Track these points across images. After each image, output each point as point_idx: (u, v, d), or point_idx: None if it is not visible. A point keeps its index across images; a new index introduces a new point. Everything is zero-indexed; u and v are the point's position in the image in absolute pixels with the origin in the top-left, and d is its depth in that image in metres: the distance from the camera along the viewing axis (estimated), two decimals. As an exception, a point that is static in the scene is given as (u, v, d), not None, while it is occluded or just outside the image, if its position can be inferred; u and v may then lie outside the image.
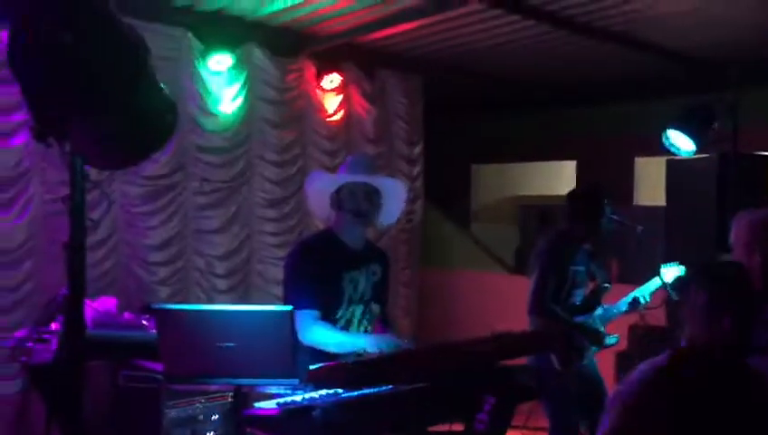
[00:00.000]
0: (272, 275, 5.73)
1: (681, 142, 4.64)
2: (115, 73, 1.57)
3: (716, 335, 2.13)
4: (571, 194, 4.36)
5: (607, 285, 4.32)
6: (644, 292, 4.25)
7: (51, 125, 1.64)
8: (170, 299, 5.16)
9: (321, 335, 2.90)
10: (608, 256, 5.43)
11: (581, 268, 4.25)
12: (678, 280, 4.23)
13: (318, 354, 2.87)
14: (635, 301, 4.24)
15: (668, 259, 4.38)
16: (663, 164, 5.10)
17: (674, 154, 4.76)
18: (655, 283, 4.26)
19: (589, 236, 4.23)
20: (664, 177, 5.03)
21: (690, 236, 4.60)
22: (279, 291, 3.83)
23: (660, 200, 5.29)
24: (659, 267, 4.31)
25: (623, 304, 4.25)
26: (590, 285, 4.32)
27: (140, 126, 1.64)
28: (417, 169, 6.92)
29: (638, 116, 6.88)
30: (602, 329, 4.21)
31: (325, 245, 3.12)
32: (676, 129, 4.62)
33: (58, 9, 1.63)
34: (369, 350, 2.86)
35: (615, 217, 4.22)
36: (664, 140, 4.68)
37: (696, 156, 4.67)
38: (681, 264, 4.29)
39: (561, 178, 8.18)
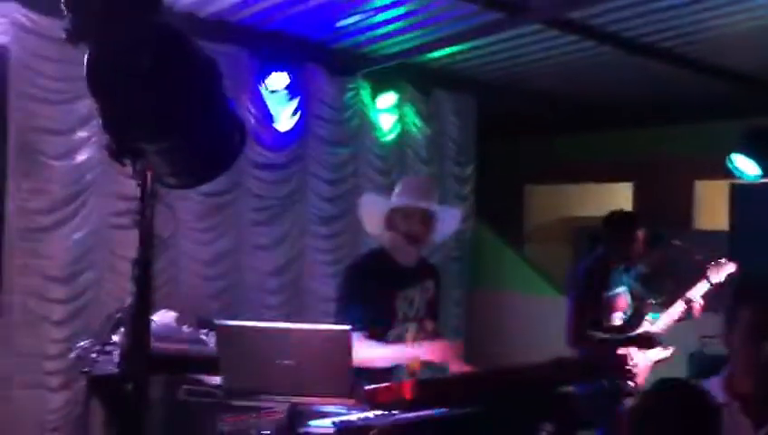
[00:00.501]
0: (322, 293, 5.75)
1: (746, 166, 4.53)
2: (189, 96, 1.61)
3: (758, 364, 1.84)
4: (605, 220, 4.34)
5: (652, 301, 4.29)
6: (694, 294, 4.24)
7: (127, 145, 1.68)
8: (221, 313, 5.21)
9: (368, 352, 2.89)
10: (666, 280, 5.35)
11: (620, 290, 4.22)
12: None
13: (371, 374, 2.87)
14: (687, 301, 4.18)
15: (732, 284, 4.27)
16: (724, 187, 4.97)
17: (738, 178, 4.64)
18: (703, 284, 4.24)
19: (621, 260, 4.22)
20: (726, 200, 4.90)
21: (755, 262, 4.46)
22: (329, 308, 3.83)
23: (722, 225, 5.16)
24: (707, 269, 4.27)
25: (674, 308, 4.20)
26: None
27: (210, 146, 1.68)
28: (467, 189, 6.89)
29: (698, 138, 6.73)
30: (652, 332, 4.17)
31: (377, 264, 3.15)
32: (741, 153, 4.50)
33: (138, 32, 1.68)
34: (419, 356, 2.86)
35: (677, 242, 4.16)
36: (728, 163, 4.58)
37: (763, 181, 4.54)
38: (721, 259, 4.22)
39: (616, 199, 8.02)
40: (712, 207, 6.66)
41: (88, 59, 1.69)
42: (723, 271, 4.19)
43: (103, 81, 1.66)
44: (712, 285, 4.19)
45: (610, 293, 4.23)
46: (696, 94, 6.48)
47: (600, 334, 4.10)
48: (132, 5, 1.73)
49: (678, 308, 4.21)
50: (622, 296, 4.30)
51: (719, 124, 6.27)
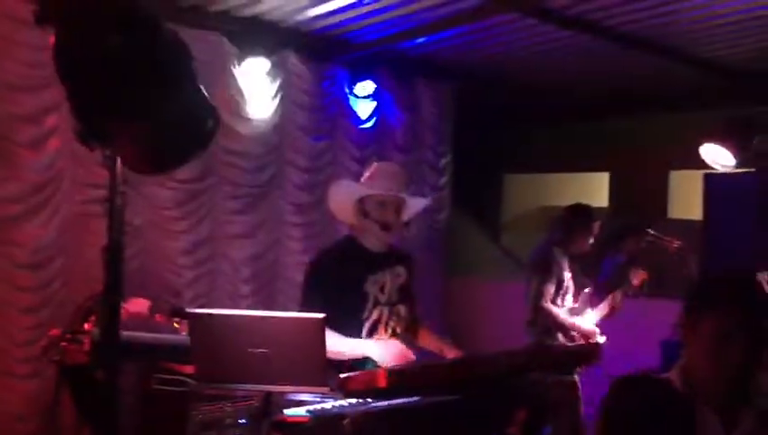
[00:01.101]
0: (297, 281, 5.70)
1: (720, 156, 4.57)
2: (159, 77, 1.58)
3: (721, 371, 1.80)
4: (568, 209, 4.63)
5: (588, 290, 4.61)
6: (617, 299, 4.58)
7: (94, 128, 1.65)
8: (195, 301, 5.18)
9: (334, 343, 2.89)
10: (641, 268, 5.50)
11: (569, 275, 4.52)
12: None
13: (340, 364, 2.87)
14: (612, 307, 4.55)
15: (704, 273, 4.37)
16: (699, 177, 5.01)
17: (711, 168, 4.69)
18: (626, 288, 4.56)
19: (575, 251, 4.40)
20: (700, 190, 4.95)
21: (728, 251, 4.52)
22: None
23: (696, 214, 5.21)
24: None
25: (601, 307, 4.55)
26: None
27: (182, 130, 1.65)
28: (443, 180, 6.88)
29: (673, 128, 6.77)
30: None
31: (346, 250, 3.15)
32: (714, 142, 4.55)
33: (107, 11, 1.64)
34: (376, 357, 2.86)
35: (651, 231, 4.22)
36: (702, 153, 4.61)
37: (736, 170, 4.58)
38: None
39: (594, 189, 8.07)
40: (687, 197, 6.72)
41: (55, 41, 1.66)
42: (640, 276, 4.44)
43: (71, 63, 1.62)
44: (633, 288, 4.46)
45: (568, 274, 4.51)
46: (671, 84, 6.52)
47: (554, 310, 4.40)
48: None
49: (604, 310, 4.54)
50: (570, 281, 4.57)
51: (694, 114, 6.32)
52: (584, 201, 4.71)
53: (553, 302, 4.42)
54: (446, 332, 6.64)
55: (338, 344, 2.89)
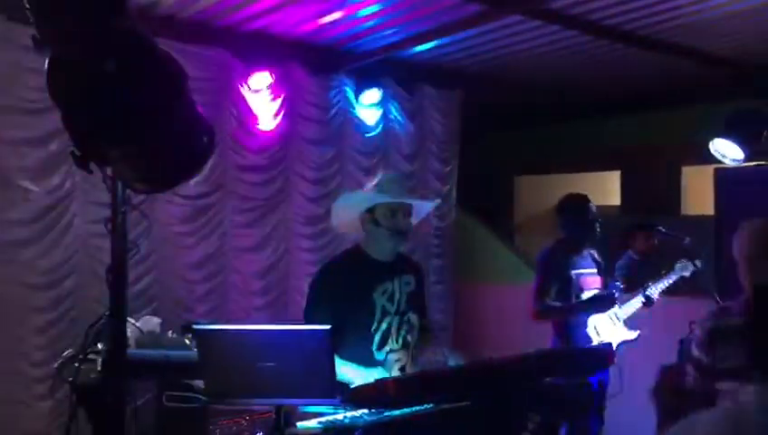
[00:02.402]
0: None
1: (729, 151, 4.53)
2: (153, 99, 1.59)
3: None
4: (557, 204, 4.54)
5: (617, 283, 4.47)
6: (653, 290, 4.41)
7: (91, 151, 1.67)
8: (208, 316, 5.20)
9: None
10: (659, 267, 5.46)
11: (588, 271, 4.39)
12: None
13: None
14: (647, 298, 4.39)
15: (717, 270, 4.31)
16: (711, 173, 4.97)
17: (722, 163, 4.65)
18: (667, 280, 4.41)
19: (581, 241, 4.32)
20: (712, 186, 4.90)
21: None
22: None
23: (709, 210, 5.16)
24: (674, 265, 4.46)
25: (633, 302, 4.39)
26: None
27: (177, 150, 1.66)
28: (447, 187, 6.85)
29: (684, 124, 6.73)
30: (616, 297, 4.31)
31: (353, 261, 3.14)
32: (723, 137, 4.51)
33: (101, 37, 1.66)
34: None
35: (662, 229, 4.19)
36: (711, 148, 4.58)
37: (746, 164, 4.54)
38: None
39: (606, 188, 8.04)
40: (699, 193, 6.67)
41: (49, 65, 1.68)
42: (689, 267, 4.34)
43: (65, 86, 1.64)
44: (677, 279, 4.34)
45: (576, 271, 4.38)
46: (679, 80, 6.49)
47: (558, 303, 4.29)
48: (95, 10, 1.72)
49: (637, 304, 4.38)
50: (591, 277, 4.45)
51: (704, 109, 6.27)
52: (596, 201, 4.65)
53: (563, 301, 4.34)
54: (458, 337, 6.64)
55: (348, 374, 2.89)
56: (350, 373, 2.89)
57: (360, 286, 3.03)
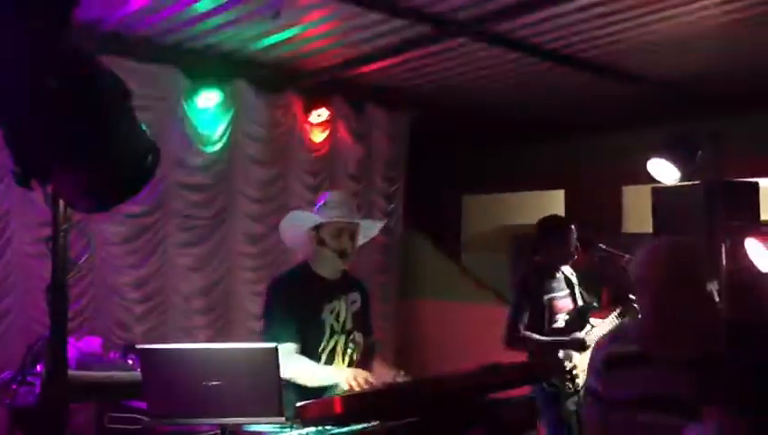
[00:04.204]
0: (252, 311, 5.69)
1: (665, 170, 4.69)
2: (95, 117, 1.59)
3: None
4: (539, 225, 4.47)
5: (594, 304, 4.41)
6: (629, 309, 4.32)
7: (32, 169, 1.65)
8: (146, 336, 5.12)
9: (295, 369, 2.90)
10: (600, 284, 5.54)
11: (561, 294, 4.33)
12: None
13: (304, 391, 2.87)
14: (621, 315, 4.33)
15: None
16: (649, 192, 5.13)
17: (659, 182, 4.80)
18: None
19: (558, 264, 4.35)
20: (650, 204, 5.05)
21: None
22: (258, 326, 3.81)
23: (648, 228, 5.31)
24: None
25: (612, 318, 4.32)
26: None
27: (120, 169, 1.65)
28: (392, 205, 6.89)
29: (624, 145, 6.93)
30: (585, 337, 4.24)
31: (301, 278, 3.16)
32: (660, 157, 4.67)
33: (44, 54, 1.65)
34: (342, 383, 2.87)
35: (603, 246, 4.29)
36: (649, 168, 4.73)
37: (682, 183, 4.71)
38: None
39: (550, 206, 8.20)
40: (638, 211, 6.87)
41: (-11, 82, 1.65)
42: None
43: (6, 102, 1.62)
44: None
45: (549, 296, 4.36)
46: (620, 103, 6.69)
47: (534, 335, 4.23)
48: (36, 27, 1.70)
49: (611, 323, 4.33)
50: (563, 300, 4.43)
51: (643, 130, 6.48)
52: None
53: (536, 326, 4.28)
54: (403, 353, 6.66)
55: (312, 372, 2.92)
56: (304, 369, 2.91)
57: (310, 305, 3.05)
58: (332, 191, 3.34)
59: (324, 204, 3.21)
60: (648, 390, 1.92)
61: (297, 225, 3.22)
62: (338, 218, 3.11)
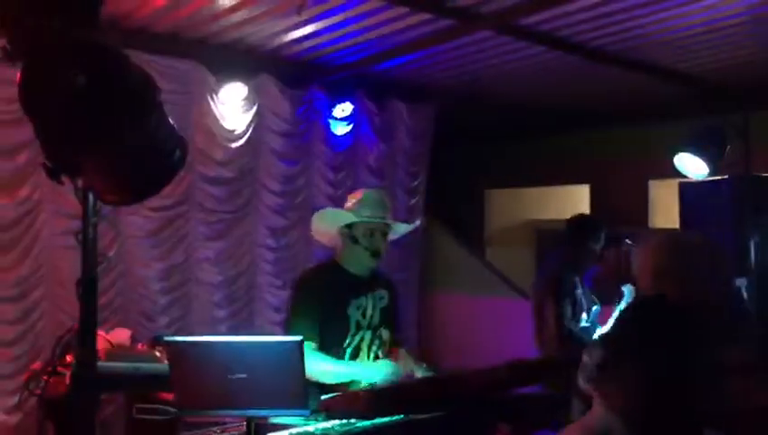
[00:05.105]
0: (273, 304, 5.78)
1: (693, 165, 4.63)
2: (125, 113, 1.60)
3: None
4: (568, 222, 4.43)
5: (596, 307, 4.38)
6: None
7: (63, 163, 1.67)
8: (170, 327, 5.21)
9: (316, 366, 2.89)
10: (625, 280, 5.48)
11: (581, 292, 4.33)
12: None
13: (327, 385, 2.88)
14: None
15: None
16: (676, 186, 5.08)
17: (686, 177, 4.75)
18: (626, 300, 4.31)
19: (588, 265, 4.31)
20: (677, 199, 5.01)
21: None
22: (280, 319, 3.82)
23: (675, 223, 5.26)
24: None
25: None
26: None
27: (149, 162, 1.67)
28: (414, 200, 6.89)
29: (651, 139, 6.86)
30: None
31: (328, 274, 3.16)
32: (687, 151, 4.61)
33: (73, 52, 1.67)
34: (365, 380, 2.87)
35: (628, 241, 4.24)
36: (675, 163, 4.68)
37: (710, 178, 4.65)
38: None
39: (575, 201, 8.14)
40: (665, 206, 6.80)
41: (21, 77, 1.68)
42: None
43: (37, 98, 1.65)
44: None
45: (578, 292, 4.34)
46: (646, 96, 6.62)
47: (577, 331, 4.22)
48: (66, 23, 1.73)
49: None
50: (583, 299, 4.41)
51: (670, 124, 6.40)
52: (566, 214, 4.68)
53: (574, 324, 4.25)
54: (426, 346, 6.67)
55: (333, 368, 2.92)
56: (327, 368, 2.90)
57: (335, 300, 3.05)
58: (368, 189, 3.33)
59: (358, 202, 3.17)
60: None
61: (329, 222, 3.22)
62: (374, 219, 3.11)
